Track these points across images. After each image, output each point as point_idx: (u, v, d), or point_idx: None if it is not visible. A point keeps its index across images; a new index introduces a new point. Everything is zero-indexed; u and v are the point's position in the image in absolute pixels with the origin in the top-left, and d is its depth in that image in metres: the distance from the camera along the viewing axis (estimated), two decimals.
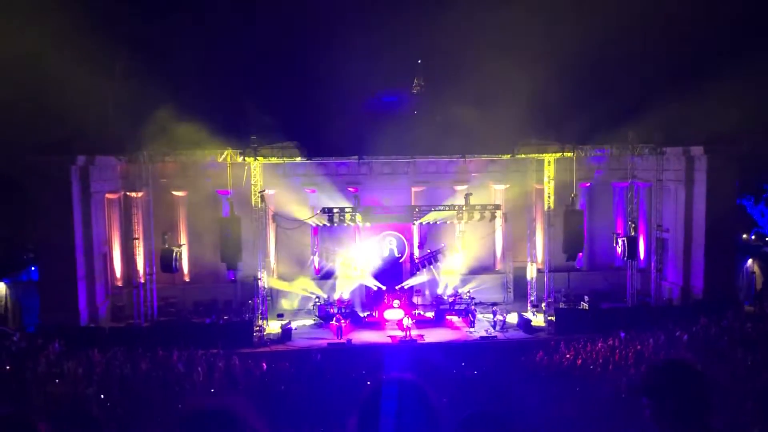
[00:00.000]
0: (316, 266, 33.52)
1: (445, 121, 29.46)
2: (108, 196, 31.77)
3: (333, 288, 32.73)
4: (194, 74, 28.05)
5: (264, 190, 30.39)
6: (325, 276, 33.40)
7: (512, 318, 30.82)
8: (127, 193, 31.40)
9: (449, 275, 33.71)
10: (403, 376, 2.66)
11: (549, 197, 30.81)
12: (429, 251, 33.33)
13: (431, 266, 33.04)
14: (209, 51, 26.69)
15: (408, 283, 32.85)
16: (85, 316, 29.16)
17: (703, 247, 30.99)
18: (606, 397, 19.81)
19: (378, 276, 32.86)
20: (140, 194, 30.33)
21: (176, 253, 29.51)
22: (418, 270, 33.06)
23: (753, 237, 40.77)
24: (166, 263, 28.96)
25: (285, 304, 33.04)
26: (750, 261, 34.17)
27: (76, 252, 28.67)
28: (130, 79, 27.26)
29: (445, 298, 32.48)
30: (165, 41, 26.13)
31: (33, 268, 33.08)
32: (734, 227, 33.10)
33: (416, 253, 34.09)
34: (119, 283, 32.71)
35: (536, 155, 30.95)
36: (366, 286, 33.25)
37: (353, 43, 29.42)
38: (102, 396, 20.12)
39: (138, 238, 30.18)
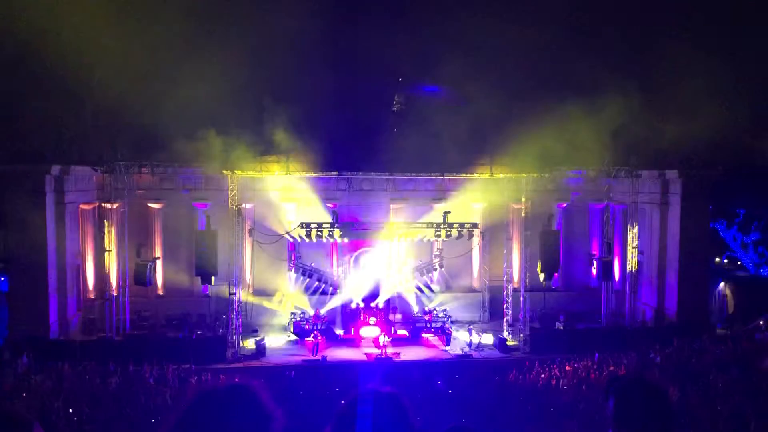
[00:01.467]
0: (293, 282, 33.32)
1: (425, 140, 29.58)
2: (82, 206, 31.33)
3: (309, 304, 32.50)
4: (176, 84, 27.89)
5: (241, 204, 30.21)
6: (301, 292, 33.16)
7: (488, 337, 30.85)
8: (102, 204, 30.99)
9: (426, 293, 33.69)
10: (379, 388, 2.63)
11: (525, 217, 31.02)
12: (415, 269, 33.37)
13: (424, 276, 33.03)
14: (193, 60, 26.54)
15: (384, 300, 32.70)
16: (56, 329, 28.60)
17: (676, 270, 31.36)
18: (580, 416, 19.85)
19: (354, 293, 32.70)
20: (115, 205, 29.97)
21: (150, 266, 29.19)
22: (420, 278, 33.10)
23: (725, 261, 41.41)
24: (140, 276, 28.63)
25: (260, 320, 32.72)
26: (722, 284, 34.66)
27: (48, 263, 28.16)
28: (107, 88, 27.00)
29: (421, 316, 32.41)
30: (146, 50, 25.97)
31: (2, 279, 32.46)
32: (707, 250, 33.55)
33: (394, 270, 33.99)
34: (91, 296, 32.17)
35: (514, 175, 31.19)
36: (342, 303, 33.06)
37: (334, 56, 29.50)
38: (70, 410, 19.70)
39: (111, 250, 29.77)
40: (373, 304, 31.81)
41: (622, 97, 26.90)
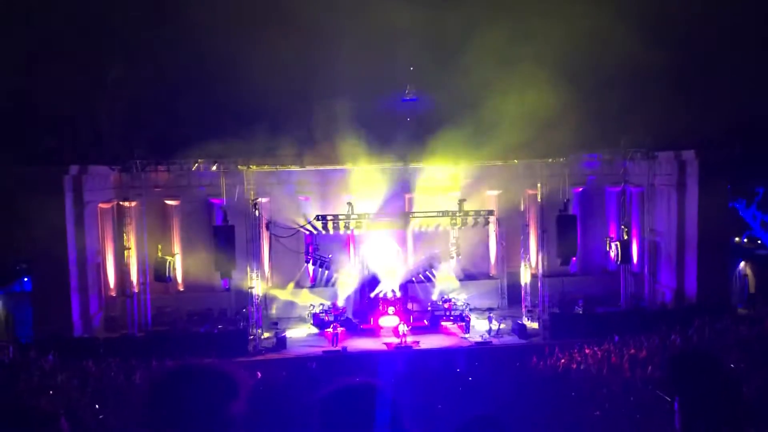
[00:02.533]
0: (310, 274, 33.53)
1: (439, 128, 29.54)
2: (101, 205, 31.68)
3: (327, 296, 32.68)
4: (188, 82, 28.09)
5: (257, 199, 30.38)
6: (319, 284, 33.37)
7: (507, 323, 30.87)
8: (120, 203, 31.30)
9: (444, 281, 33.73)
10: (365, 380, 2.68)
11: (541, 202, 30.91)
12: (422, 259, 33.42)
13: (427, 273, 33.12)
14: (203, 59, 26.72)
15: (402, 289, 32.77)
16: (79, 327, 29.03)
17: (695, 251, 31.13)
18: (601, 401, 19.83)
19: (373, 283, 32.83)
20: (133, 203, 30.26)
21: (170, 262, 29.48)
22: (414, 279, 33.11)
23: (745, 240, 40.97)
24: (160, 273, 28.93)
25: (279, 313, 32.97)
26: (742, 264, 34.33)
27: (69, 262, 28.55)
28: (123, 87, 27.27)
29: (440, 304, 32.46)
30: (158, 50, 26.16)
31: (26, 280, 32.93)
32: (726, 230, 33.23)
33: (410, 259, 34.07)
34: (113, 293, 32.59)
35: (529, 161, 31.06)
36: (361, 294, 33.22)
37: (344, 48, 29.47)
38: (96, 407, 20.00)
39: (131, 248, 30.07)
40: (390, 294, 31.91)
41: (636, 77, 26.70)
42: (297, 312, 32.97)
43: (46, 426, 2.42)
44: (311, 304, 32.26)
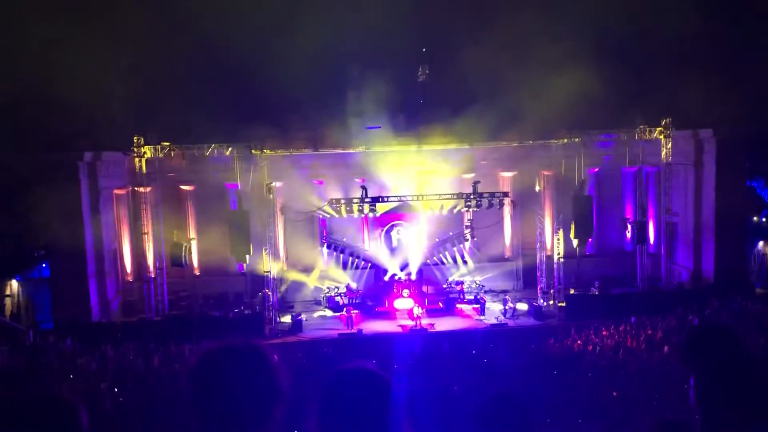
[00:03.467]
0: (325, 257, 33.60)
1: (452, 109, 29.34)
2: (116, 191, 31.88)
3: (342, 278, 32.77)
4: (201, 66, 28.04)
5: (271, 183, 30.41)
6: (334, 267, 33.43)
7: (522, 305, 30.81)
8: (135, 189, 31.45)
9: (459, 264, 33.69)
10: (362, 365, 2.64)
11: (557, 183, 30.71)
12: (438, 242, 33.41)
13: (443, 256, 33.08)
14: (215, 43, 26.61)
15: (417, 272, 32.75)
16: (97, 312, 29.34)
17: (713, 230, 30.84)
18: (618, 382, 19.79)
19: (387, 266, 32.86)
20: (148, 189, 30.40)
21: (185, 247, 29.65)
22: (429, 262, 33.10)
23: (764, 219, 40.51)
24: (176, 258, 29.12)
25: (295, 296, 33.12)
26: (761, 243, 33.98)
27: (86, 248, 28.81)
28: (137, 73, 27.29)
29: (455, 286, 32.45)
30: (172, 34, 26.08)
31: (44, 265, 33.30)
32: (744, 209, 32.90)
33: (425, 242, 34.03)
34: (130, 278, 32.88)
35: (544, 141, 30.82)
36: (376, 277, 33.27)
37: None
38: (115, 390, 20.25)
39: (147, 233, 30.23)
40: (405, 277, 31.94)
41: (651, 56, 26.32)
42: (312, 295, 33.11)
43: (65, 416, 2.41)
44: (327, 287, 32.37)
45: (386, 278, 32.54)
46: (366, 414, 2.43)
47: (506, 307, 30.11)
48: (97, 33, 25.71)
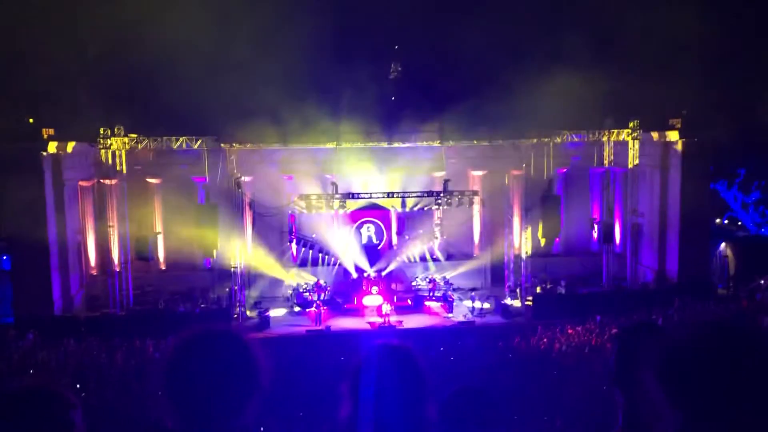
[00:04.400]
0: (294, 253, 33.42)
1: (424, 107, 29.41)
2: (81, 183, 31.27)
3: (311, 275, 32.61)
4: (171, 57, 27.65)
5: (240, 177, 30.13)
6: (302, 263, 33.27)
7: (490, 303, 31.00)
8: (101, 181, 30.89)
9: (428, 262, 33.78)
10: (390, 341, 2.62)
11: (526, 183, 30.97)
12: (408, 240, 33.49)
13: (425, 244, 33.15)
14: (185, 34, 26.27)
15: (386, 269, 32.80)
16: (60, 306, 28.77)
17: (677, 232, 31.37)
18: (583, 379, 20.02)
19: (356, 263, 32.81)
20: (114, 182, 29.88)
21: (151, 241, 29.23)
22: (398, 259, 33.14)
23: (726, 221, 41.38)
24: (141, 251, 28.71)
25: (262, 292, 32.84)
26: (723, 245, 34.68)
27: (49, 241, 28.19)
28: (103, 63, 26.80)
29: (424, 284, 32.53)
30: (143, 22, 25.70)
31: (5, 258, 32.52)
32: (708, 212, 33.53)
33: (394, 239, 34.09)
34: (94, 272, 32.29)
35: (513, 141, 31.03)
36: (344, 273, 33.19)
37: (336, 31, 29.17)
38: (77, 386, 19.88)
39: (113, 226, 29.74)
40: (374, 274, 31.93)
41: (621, 59, 26.68)
42: (280, 291, 32.88)
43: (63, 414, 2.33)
44: (295, 284, 32.19)
45: (355, 275, 32.49)
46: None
47: (474, 305, 30.26)
48: (65, 21, 25.20)
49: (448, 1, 31.00)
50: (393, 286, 32.46)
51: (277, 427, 15.46)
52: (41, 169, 27.98)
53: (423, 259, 33.74)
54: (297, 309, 30.95)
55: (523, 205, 31.69)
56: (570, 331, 25.65)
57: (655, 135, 32.04)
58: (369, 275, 31.86)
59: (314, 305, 29.54)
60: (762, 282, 30.31)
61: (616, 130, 30.96)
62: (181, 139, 29.11)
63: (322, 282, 31.91)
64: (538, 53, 27.14)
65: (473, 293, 31.51)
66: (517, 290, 31.53)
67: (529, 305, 29.82)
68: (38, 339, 24.69)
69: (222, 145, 29.14)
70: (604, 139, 31.26)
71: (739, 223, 41.17)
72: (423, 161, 33.78)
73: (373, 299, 30.36)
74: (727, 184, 40.28)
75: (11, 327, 26.33)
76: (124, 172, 29.82)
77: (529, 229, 31.20)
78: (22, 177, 26.93)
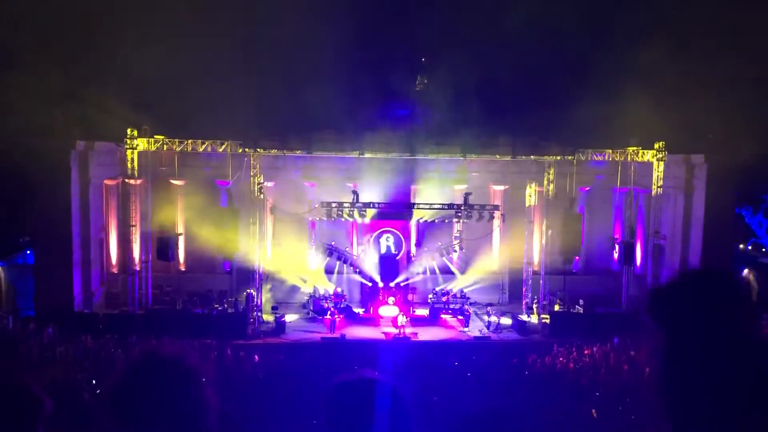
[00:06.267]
0: (313, 260, 33.52)
1: (447, 121, 29.43)
2: (106, 182, 31.70)
3: (328, 282, 32.69)
4: (199, 61, 27.98)
5: (263, 182, 30.34)
6: (321, 270, 33.36)
7: (507, 319, 30.83)
8: (126, 180, 31.27)
9: (445, 274, 33.69)
10: (372, 375, 2.60)
11: (547, 200, 30.81)
12: (427, 252, 33.45)
13: (444, 257, 33.04)
14: (217, 39, 26.62)
15: (404, 280, 32.77)
16: (80, 302, 29.12)
17: (699, 255, 31.00)
18: (597, 401, 19.83)
19: (373, 272, 32.82)
20: (139, 181, 30.24)
21: (173, 241, 29.49)
22: (416, 271, 33.07)
23: (750, 247, 40.83)
24: (163, 251, 28.94)
25: (280, 297, 32.98)
26: (746, 271, 34.21)
27: (73, 237, 28.62)
28: (133, 65, 27.16)
29: (441, 297, 32.43)
30: (167, 27, 26.04)
31: (29, 252, 33.04)
32: (731, 236, 33.11)
33: (413, 251, 34.06)
34: (114, 270, 32.65)
35: (537, 157, 30.94)
36: (362, 282, 33.23)
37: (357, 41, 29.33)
38: (93, 381, 20.08)
39: (135, 225, 30.06)
40: (392, 284, 31.90)
41: (648, 80, 26.52)
42: (297, 297, 32.99)
43: (30, 407, 2.36)
44: (312, 290, 32.27)
45: (372, 285, 32.49)
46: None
47: (490, 320, 30.11)
48: (96, 23, 25.62)
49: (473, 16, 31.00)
50: (410, 297, 32.41)
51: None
52: (68, 166, 28.42)
53: (441, 271, 33.65)
54: (313, 315, 30.95)
55: (544, 221, 31.52)
56: (586, 351, 25.40)
57: (680, 157, 31.74)
58: (386, 285, 31.84)
59: (330, 313, 29.58)
60: None
61: (641, 151, 30.73)
62: (206, 143, 29.39)
63: (339, 290, 31.99)
64: (566, 71, 27.07)
65: (490, 308, 31.36)
66: (534, 307, 31.33)
67: (546, 323, 29.60)
68: (57, 334, 24.99)
69: (246, 150, 29.37)
70: (629, 159, 31.04)
71: (764, 250, 40.59)
72: (445, 173, 33.79)
73: (389, 310, 30.34)
74: (752, 209, 39.76)
75: (32, 320, 26.68)
76: (149, 173, 30.17)
77: (549, 246, 31.00)
78: (49, 173, 27.41)
